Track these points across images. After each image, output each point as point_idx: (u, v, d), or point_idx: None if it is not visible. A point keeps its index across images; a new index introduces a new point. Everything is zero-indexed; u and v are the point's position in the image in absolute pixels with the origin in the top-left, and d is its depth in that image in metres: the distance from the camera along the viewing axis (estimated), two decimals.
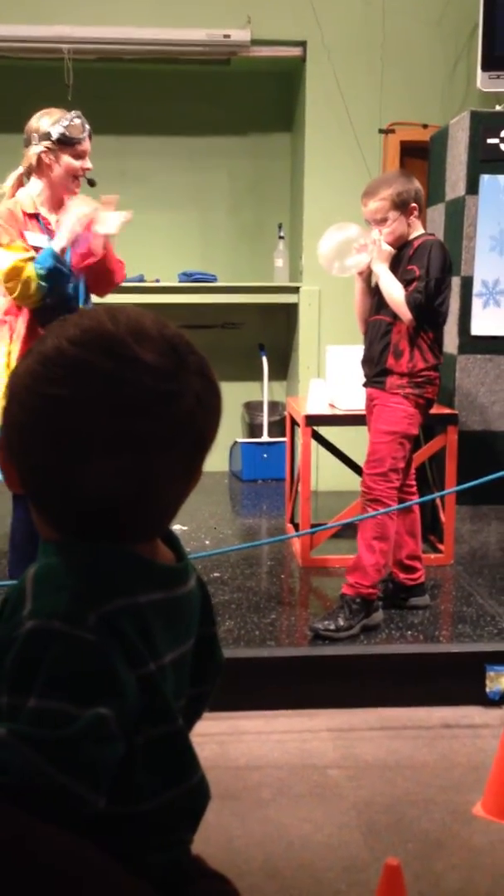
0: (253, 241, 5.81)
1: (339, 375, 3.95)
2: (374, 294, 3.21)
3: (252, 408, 5.67)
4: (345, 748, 2.68)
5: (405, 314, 3.04)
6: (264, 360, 5.54)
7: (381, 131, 5.10)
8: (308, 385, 4.15)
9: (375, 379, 3.18)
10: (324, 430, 4.12)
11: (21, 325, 2.84)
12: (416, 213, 3.11)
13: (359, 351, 3.59)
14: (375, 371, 3.17)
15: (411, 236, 3.13)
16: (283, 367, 5.80)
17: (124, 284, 5.40)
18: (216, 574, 3.71)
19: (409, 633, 3.16)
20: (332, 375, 4.07)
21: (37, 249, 2.79)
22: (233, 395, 5.48)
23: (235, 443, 5.55)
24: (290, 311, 5.55)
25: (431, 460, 3.98)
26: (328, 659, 2.98)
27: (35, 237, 2.81)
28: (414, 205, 3.09)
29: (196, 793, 0.88)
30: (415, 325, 3.05)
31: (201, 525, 4.34)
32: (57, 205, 2.90)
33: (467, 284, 3.84)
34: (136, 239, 5.58)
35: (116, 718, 0.75)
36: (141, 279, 5.35)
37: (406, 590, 3.36)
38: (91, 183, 2.95)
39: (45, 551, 0.84)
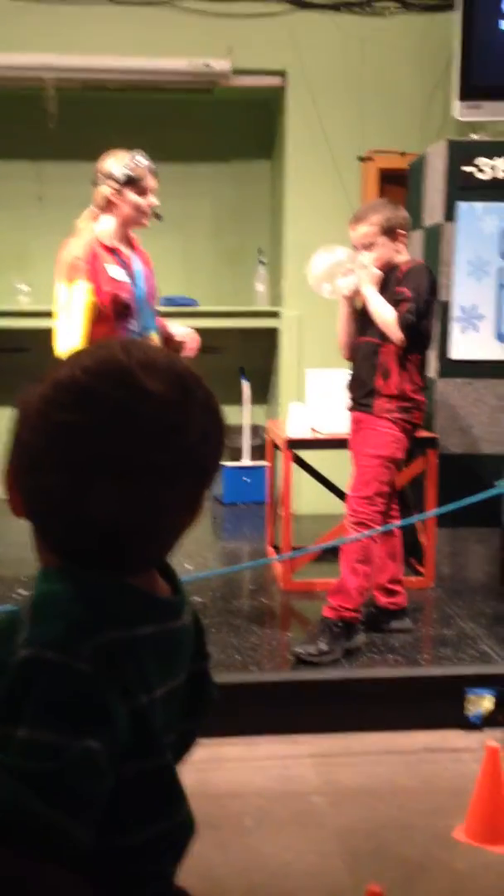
0: (234, 266, 5.86)
1: (320, 399, 3.98)
2: (359, 317, 3.24)
3: (233, 432, 5.68)
4: (327, 774, 2.67)
5: (396, 334, 3.07)
6: (245, 384, 5.56)
7: (360, 159, 5.18)
8: (288, 409, 4.17)
9: (362, 402, 3.20)
10: (304, 454, 4.13)
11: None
12: (403, 239, 3.17)
13: (339, 375, 3.63)
14: (362, 393, 3.20)
15: (398, 261, 3.19)
16: (263, 391, 5.82)
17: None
18: (197, 598, 3.69)
19: (391, 656, 3.16)
20: (312, 399, 4.09)
21: (118, 283, 2.89)
22: None
23: None
24: (271, 336, 5.58)
25: (412, 483, 4.00)
26: (310, 683, 2.98)
27: (115, 270, 2.93)
28: (401, 231, 3.16)
29: (182, 827, 0.87)
30: (404, 346, 3.09)
31: (182, 549, 4.32)
32: (127, 239, 3.04)
33: (445, 309, 3.89)
34: None
35: (106, 752, 0.74)
36: None
37: (388, 613, 3.36)
38: (158, 217, 3.07)
39: (46, 577, 0.84)
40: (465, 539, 3.99)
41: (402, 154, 5.02)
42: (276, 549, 4.13)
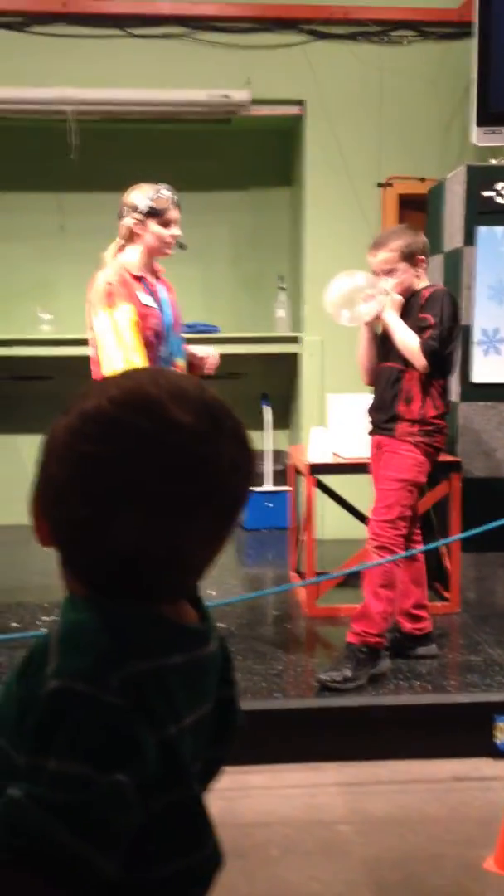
0: (254, 293, 5.89)
1: (342, 424, 3.97)
2: (380, 342, 3.25)
3: (255, 457, 5.69)
4: (353, 802, 2.64)
5: (419, 361, 3.07)
6: (267, 409, 5.57)
7: (379, 185, 5.21)
8: (310, 434, 4.17)
9: (385, 426, 3.19)
10: (327, 479, 4.13)
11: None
12: (423, 265, 3.18)
13: (361, 399, 3.63)
14: (385, 418, 3.19)
15: (418, 287, 3.19)
16: (285, 417, 5.83)
17: None
18: (221, 624, 3.68)
19: (417, 683, 3.12)
20: (334, 424, 4.09)
21: (148, 308, 2.95)
22: None
23: None
24: (292, 361, 5.60)
25: (435, 508, 3.98)
26: (335, 710, 2.95)
27: (145, 297, 2.99)
28: (421, 257, 3.17)
29: (209, 859, 0.86)
30: (428, 372, 3.09)
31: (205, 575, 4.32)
32: (151, 269, 3.10)
33: (467, 333, 3.89)
34: None
35: (134, 785, 0.74)
36: None
37: (413, 639, 3.33)
38: (182, 246, 3.13)
39: (73, 606, 0.83)
40: (491, 563, 3.96)
41: (422, 180, 5.05)
42: (300, 574, 4.11)
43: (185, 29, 5.03)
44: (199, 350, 3.24)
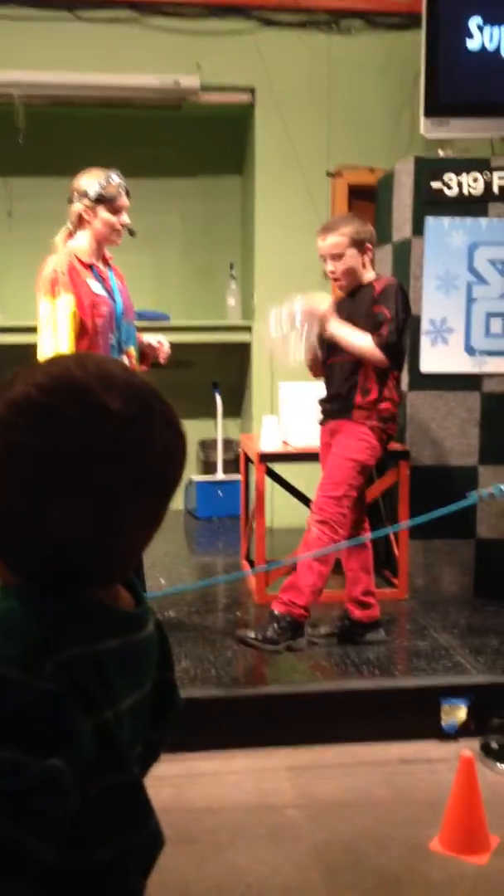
0: (205, 281, 5.88)
1: (292, 412, 3.99)
2: (325, 340, 3.25)
3: (206, 446, 5.69)
4: (302, 787, 2.67)
5: (376, 357, 3.10)
6: (218, 398, 5.57)
7: (328, 174, 5.23)
8: (261, 423, 4.18)
9: (341, 412, 3.23)
10: (278, 467, 4.15)
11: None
12: (370, 254, 3.22)
13: (312, 388, 3.65)
14: (341, 407, 3.23)
15: (366, 277, 3.22)
16: (236, 405, 5.84)
17: None
18: (171, 613, 3.69)
19: (365, 668, 3.17)
20: (285, 412, 4.11)
21: (98, 297, 2.95)
22: (187, 434, 5.49)
23: (190, 481, 5.55)
24: (243, 350, 5.60)
25: (384, 495, 4.03)
26: (284, 696, 2.98)
27: (94, 285, 2.98)
28: (369, 245, 3.21)
29: (149, 841, 0.87)
30: (386, 366, 3.12)
31: (156, 563, 4.32)
32: (102, 256, 3.08)
33: (415, 323, 3.92)
34: None
35: (70, 770, 0.74)
36: None
37: (362, 626, 3.38)
38: (131, 233, 3.12)
39: (4, 595, 0.83)
40: (438, 550, 4.02)
41: (371, 170, 5.08)
42: (251, 562, 4.13)
43: (135, 13, 4.97)
44: (152, 339, 3.23)
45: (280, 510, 4.94)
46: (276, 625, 3.16)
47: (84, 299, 2.90)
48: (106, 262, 3.12)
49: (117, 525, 0.80)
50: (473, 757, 2.42)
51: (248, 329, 5.43)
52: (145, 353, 3.21)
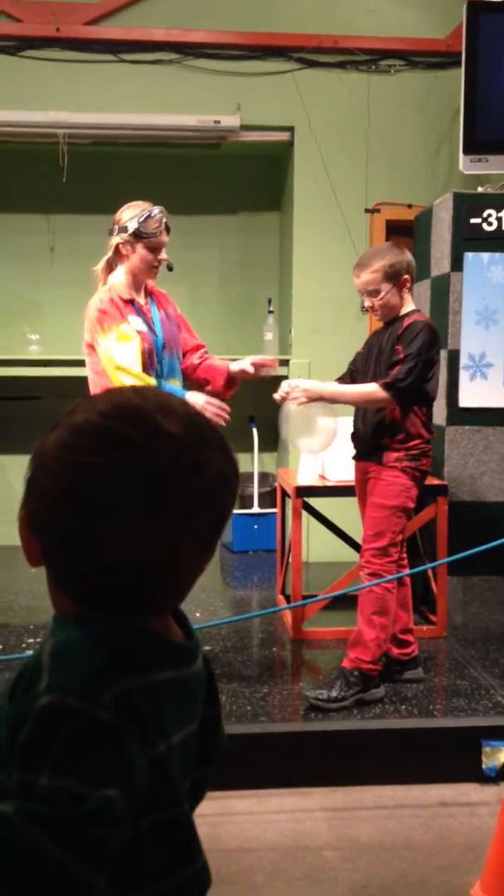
0: (243, 315, 5.92)
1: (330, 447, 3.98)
2: (354, 367, 3.25)
3: (243, 479, 5.69)
4: (339, 828, 2.62)
5: (379, 397, 3.03)
6: (255, 431, 5.58)
7: (367, 211, 5.26)
8: (298, 456, 4.18)
9: (371, 453, 3.16)
10: (314, 501, 4.13)
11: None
12: (408, 285, 3.14)
13: (349, 423, 3.64)
14: (370, 446, 3.16)
15: (403, 310, 3.15)
16: (273, 439, 5.84)
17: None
18: (207, 647, 3.66)
19: (404, 707, 3.11)
20: None
21: (141, 333, 2.97)
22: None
23: None
24: (280, 384, 5.60)
25: (422, 531, 3.98)
26: (321, 735, 2.93)
27: (137, 321, 3.01)
28: (406, 276, 3.12)
29: (197, 879, 0.86)
30: (405, 402, 3.06)
31: (191, 597, 4.30)
32: (141, 288, 3.09)
33: (454, 358, 3.91)
34: None
35: (124, 801, 0.74)
36: None
37: (400, 664, 3.32)
38: (170, 268, 3.13)
39: (63, 624, 0.84)
40: (477, 587, 3.96)
41: (409, 206, 5.11)
42: (286, 597, 4.10)
43: (177, 55, 5.09)
44: (245, 363, 3.23)
45: (316, 544, 4.91)
46: (343, 681, 3.06)
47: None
48: (148, 292, 3.14)
49: (175, 549, 0.82)
50: None
51: (285, 363, 5.45)
52: (234, 380, 3.23)
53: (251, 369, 3.20)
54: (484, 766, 2.88)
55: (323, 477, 4.03)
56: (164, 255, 3.07)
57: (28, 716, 0.75)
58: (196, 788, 0.92)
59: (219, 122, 5.07)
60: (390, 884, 2.33)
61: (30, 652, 0.93)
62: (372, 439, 3.16)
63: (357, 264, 3.19)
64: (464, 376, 3.89)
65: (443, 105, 5.15)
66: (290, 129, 5.24)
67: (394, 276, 3.09)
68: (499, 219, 3.86)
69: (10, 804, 0.71)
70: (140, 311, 3.04)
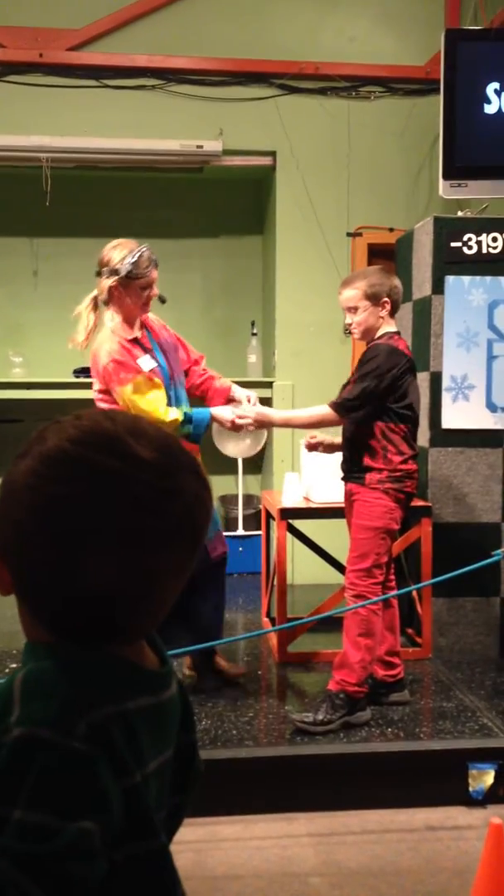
0: (226, 338, 5.94)
1: (314, 469, 3.99)
2: None
3: (227, 501, 5.68)
4: (326, 854, 2.59)
5: (329, 419, 3.14)
6: None
7: (348, 234, 5.31)
8: (283, 479, 4.18)
9: (354, 474, 3.19)
10: (299, 523, 4.12)
11: None
12: (387, 307, 3.18)
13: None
14: (354, 467, 3.19)
15: (378, 333, 3.20)
16: (257, 461, 5.84)
17: None
18: (186, 671, 3.63)
19: (390, 730, 3.10)
20: (306, 469, 4.10)
21: (150, 372, 3.08)
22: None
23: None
24: (264, 405, 5.61)
25: (407, 553, 3.99)
26: (307, 759, 2.91)
27: (145, 362, 3.11)
28: (386, 299, 3.17)
29: None
30: (358, 421, 3.11)
31: None
32: (135, 325, 3.17)
33: (436, 380, 3.93)
34: None
35: (100, 833, 0.72)
36: None
37: (386, 686, 3.31)
38: (162, 300, 3.21)
39: (35, 654, 0.82)
40: (462, 608, 3.96)
41: (391, 230, 5.16)
42: (271, 619, 4.09)
43: (160, 81, 5.13)
44: (242, 394, 3.34)
45: (301, 566, 4.90)
46: (329, 703, 3.06)
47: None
48: (142, 324, 3.20)
49: (150, 575, 0.80)
50: (503, 824, 2.34)
51: (269, 385, 5.47)
52: (232, 401, 3.35)
53: (243, 400, 3.32)
54: (471, 789, 2.87)
55: (307, 499, 4.03)
56: (155, 290, 3.14)
57: (0, 748, 0.73)
58: (172, 816, 0.90)
59: (201, 146, 5.11)
60: None
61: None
62: (354, 461, 3.18)
63: (343, 280, 3.27)
64: (446, 398, 3.91)
65: (422, 131, 5.21)
66: (272, 153, 5.29)
67: (373, 297, 3.15)
68: (478, 242, 3.90)
69: None
70: (144, 348, 3.13)
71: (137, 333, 3.15)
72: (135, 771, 0.78)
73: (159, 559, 0.80)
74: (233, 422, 3.19)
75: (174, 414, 3.06)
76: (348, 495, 3.26)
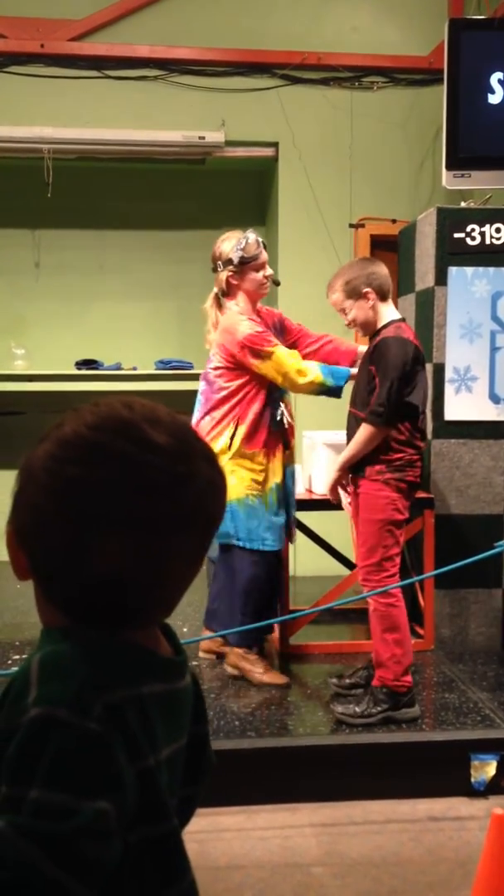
0: None
1: (316, 460, 3.99)
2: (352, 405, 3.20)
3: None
4: (328, 844, 2.60)
5: (377, 433, 2.99)
6: None
7: (351, 226, 5.29)
8: None
9: (357, 467, 3.12)
10: (301, 515, 4.12)
11: (251, 410, 3.31)
12: (371, 296, 3.05)
13: (335, 436, 3.65)
14: (356, 461, 3.12)
15: (380, 323, 3.09)
16: None
17: (103, 372, 5.48)
18: (194, 662, 3.64)
19: (391, 722, 3.10)
20: (308, 460, 4.10)
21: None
22: None
23: None
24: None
25: (409, 544, 3.98)
26: (310, 750, 2.92)
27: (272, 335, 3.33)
28: (367, 290, 3.04)
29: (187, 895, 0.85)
30: (393, 425, 3.01)
31: (178, 611, 4.28)
32: (255, 310, 3.40)
33: (439, 371, 3.92)
34: (115, 328, 5.69)
35: (116, 813, 0.73)
36: (119, 367, 5.41)
37: None
38: (276, 283, 3.38)
39: (50, 638, 0.83)
40: (464, 600, 3.96)
41: (394, 221, 5.14)
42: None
43: (162, 71, 5.11)
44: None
45: (303, 558, 4.90)
46: (371, 697, 3.05)
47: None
48: (258, 312, 3.39)
49: (165, 562, 0.81)
50: None
51: None
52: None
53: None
54: (473, 780, 2.87)
55: (310, 491, 4.03)
56: (269, 270, 3.32)
57: (17, 728, 0.74)
58: (184, 807, 0.91)
59: (203, 137, 5.09)
60: None
61: (15, 668, 0.91)
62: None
63: (328, 285, 3.19)
64: (449, 389, 3.90)
65: (425, 121, 5.19)
66: (275, 144, 5.27)
67: (353, 292, 3.06)
68: (482, 233, 3.88)
69: (1, 819, 0.70)
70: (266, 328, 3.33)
71: (256, 318, 3.33)
72: (148, 755, 0.79)
73: (171, 545, 0.81)
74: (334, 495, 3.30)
75: (314, 366, 3.29)
76: (354, 490, 3.20)
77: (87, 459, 0.79)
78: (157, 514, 0.79)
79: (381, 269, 3.12)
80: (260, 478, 3.31)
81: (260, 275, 3.26)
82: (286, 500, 3.43)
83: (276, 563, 3.48)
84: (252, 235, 3.23)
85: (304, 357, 3.41)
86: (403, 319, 3.17)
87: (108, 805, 0.72)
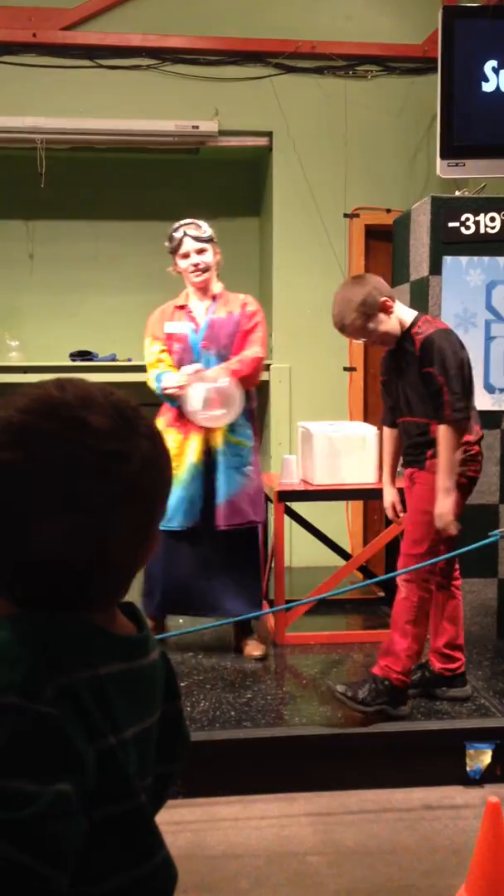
0: None
1: (311, 451, 3.98)
2: (395, 401, 3.08)
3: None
4: (324, 833, 2.61)
5: (458, 437, 2.86)
6: None
7: (345, 216, 5.28)
8: (280, 461, 4.18)
9: (418, 458, 2.99)
10: (297, 506, 4.12)
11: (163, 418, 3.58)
12: (391, 303, 2.92)
13: (329, 427, 3.65)
14: (418, 452, 2.99)
15: (403, 326, 2.95)
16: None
17: (97, 363, 5.47)
18: (190, 653, 3.65)
19: (385, 715, 3.10)
20: (304, 451, 4.10)
21: (171, 335, 3.58)
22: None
23: None
24: (261, 388, 5.60)
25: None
26: (305, 740, 2.93)
27: (172, 325, 3.59)
28: (383, 299, 2.90)
29: (160, 873, 0.85)
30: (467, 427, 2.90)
31: None
32: (202, 295, 3.63)
33: None
34: (110, 319, 5.67)
35: (76, 793, 0.73)
36: (113, 358, 5.40)
37: (442, 679, 3.20)
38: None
39: None
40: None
41: (388, 211, 5.13)
42: (270, 601, 4.10)
43: (155, 60, 5.08)
44: (209, 373, 3.51)
45: (299, 549, 4.91)
46: (372, 686, 2.96)
47: (164, 340, 3.56)
48: (214, 297, 3.59)
49: (104, 542, 0.80)
50: (500, 803, 2.36)
51: (266, 367, 5.45)
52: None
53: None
54: (468, 768, 2.88)
55: (305, 481, 4.03)
56: (195, 259, 3.53)
57: None
58: (160, 785, 0.91)
59: (197, 127, 5.07)
60: (376, 888, 2.33)
61: None
62: (417, 445, 3.00)
63: (335, 324, 2.97)
64: None
65: (420, 110, 5.17)
66: (269, 134, 5.25)
67: (372, 309, 2.89)
68: (476, 223, 3.88)
69: None
70: (189, 317, 3.55)
71: (197, 303, 3.57)
72: (108, 734, 0.78)
73: (109, 526, 0.80)
74: (393, 506, 3.23)
75: (154, 371, 3.56)
76: (409, 479, 3.05)
77: (15, 443, 0.79)
78: (89, 493, 0.79)
79: (374, 282, 2.96)
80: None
81: (184, 263, 3.54)
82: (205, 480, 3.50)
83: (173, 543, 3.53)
84: (177, 225, 3.53)
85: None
86: (420, 315, 3.02)
87: (68, 786, 0.72)
